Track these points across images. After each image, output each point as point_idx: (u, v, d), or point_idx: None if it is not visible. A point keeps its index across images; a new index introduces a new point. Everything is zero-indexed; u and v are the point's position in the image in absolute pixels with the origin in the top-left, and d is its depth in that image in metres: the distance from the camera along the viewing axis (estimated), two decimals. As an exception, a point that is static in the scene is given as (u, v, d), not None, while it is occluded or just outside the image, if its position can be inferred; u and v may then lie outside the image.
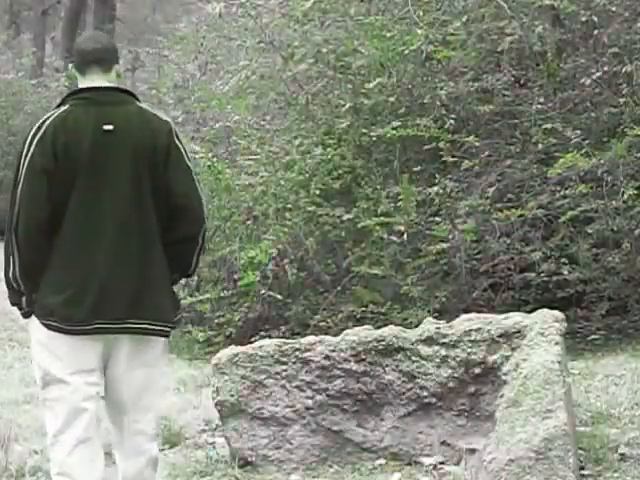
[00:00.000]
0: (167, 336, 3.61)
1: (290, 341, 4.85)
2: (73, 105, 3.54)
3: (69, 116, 3.51)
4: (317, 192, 7.33)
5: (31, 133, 3.50)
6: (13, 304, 3.69)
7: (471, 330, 4.56)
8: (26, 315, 3.66)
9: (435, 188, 6.87)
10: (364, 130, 7.29)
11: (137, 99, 3.65)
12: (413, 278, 6.84)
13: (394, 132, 6.94)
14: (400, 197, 6.88)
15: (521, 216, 6.58)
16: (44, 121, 3.51)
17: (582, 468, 4.19)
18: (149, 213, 3.53)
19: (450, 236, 6.68)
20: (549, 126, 6.71)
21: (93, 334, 3.49)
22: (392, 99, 7.20)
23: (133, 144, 3.52)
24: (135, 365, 3.57)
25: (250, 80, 8.04)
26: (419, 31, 7.01)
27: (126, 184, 3.50)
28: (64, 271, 3.50)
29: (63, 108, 3.54)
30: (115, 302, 3.49)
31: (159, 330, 3.56)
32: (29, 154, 3.47)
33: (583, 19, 6.92)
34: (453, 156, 6.91)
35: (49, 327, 3.54)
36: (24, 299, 3.61)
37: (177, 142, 3.59)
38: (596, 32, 6.88)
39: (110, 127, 3.50)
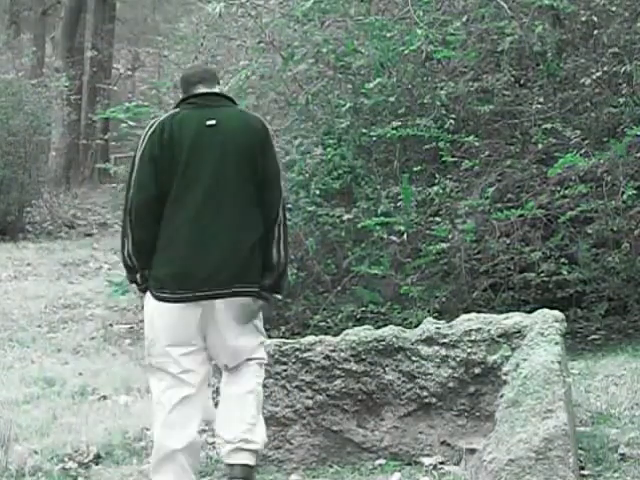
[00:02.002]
0: (254, 295, 4.08)
1: (290, 341, 4.85)
2: (182, 108, 4.13)
3: (176, 116, 4.09)
4: (317, 192, 7.32)
5: (144, 132, 4.07)
6: (130, 281, 4.25)
7: (471, 330, 4.56)
8: (142, 290, 4.19)
9: (435, 188, 6.87)
10: (364, 130, 7.29)
11: (236, 104, 4.26)
12: (413, 278, 6.84)
13: (394, 132, 6.94)
14: (400, 197, 6.88)
15: (521, 216, 6.58)
16: (156, 121, 4.10)
17: (582, 468, 4.18)
18: (244, 193, 4.05)
19: (450, 236, 6.68)
20: (549, 126, 6.72)
21: (196, 300, 3.99)
22: (392, 99, 7.20)
23: (234, 134, 4.06)
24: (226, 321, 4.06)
25: (250, 80, 8.03)
26: (419, 31, 7.01)
27: (225, 168, 4.03)
28: (171, 247, 4.02)
29: (173, 111, 4.15)
30: (215, 272, 4.00)
31: (246, 292, 4.06)
32: (141, 147, 4.05)
33: (583, 19, 6.93)
34: (453, 156, 6.92)
35: (160, 298, 4.05)
36: (138, 276, 4.13)
37: (270, 135, 4.18)
38: (596, 32, 6.88)
39: (213, 122, 4.05)
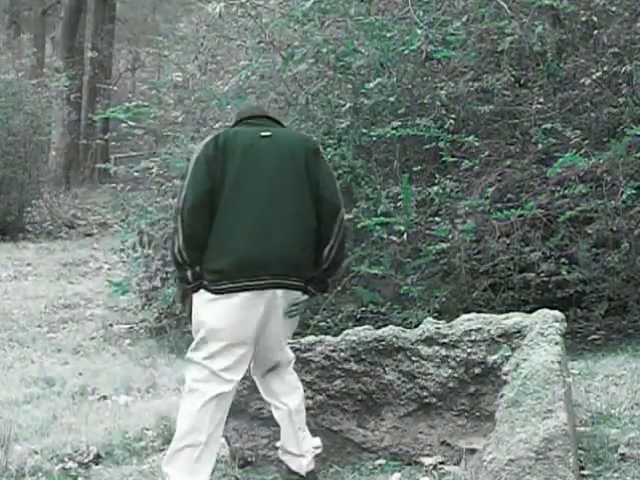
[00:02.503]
0: (303, 290, 4.28)
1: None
2: (237, 126, 4.41)
3: (231, 130, 4.37)
4: (317, 192, 7.31)
5: (199, 146, 4.31)
6: (180, 280, 4.28)
7: (471, 330, 4.56)
8: (192, 290, 4.19)
9: (435, 188, 6.87)
10: (364, 130, 7.29)
11: (284, 127, 4.60)
12: (413, 278, 6.84)
13: (394, 132, 6.94)
14: (400, 197, 6.88)
15: (521, 216, 6.58)
16: (210, 135, 4.33)
17: (582, 468, 4.19)
18: (299, 195, 4.24)
19: (450, 236, 6.68)
20: (549, 126, 6.71)
21: (258, 289, 4.12)
22: (392, 99, 7.20)
23: (288, 143, 4.33)
24: (282, 316, 4.24)
25: (250, 80, 8.03)
26: (419, 31, 7.01)
27: (280, 170, 4.24)
28: (226, 240, 4.13)
29: (228, 129, 4.44)
30: (274, 261, 4.15)
31: (298, 285, 4.24)
32: (196, 154, 4.24)
33: (583, 19, 6.92)
34: (453, 156, 6.91)
35: (219, 291, 4.11)
36: (189, 273, 4.15)
37: (321, 152, 4.41)
38: (596, 32, 6.88)
39: (268, 133, 4.31)
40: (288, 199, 4.22)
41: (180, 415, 4.18)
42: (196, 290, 4.18)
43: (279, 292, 4.16)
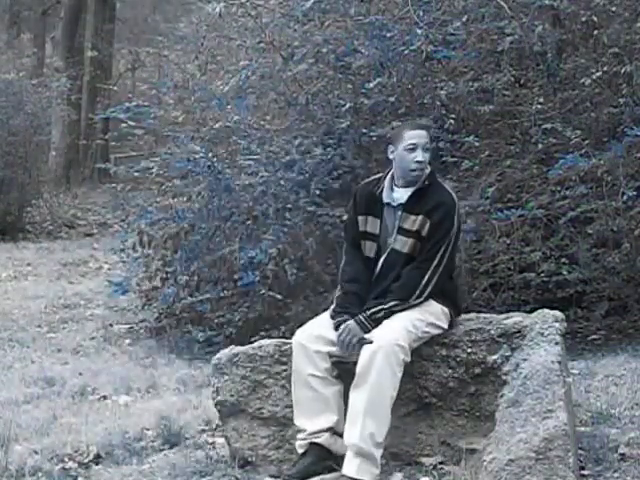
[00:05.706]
0: None
1: (290, 341, 4.84)
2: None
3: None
4: (317, 192, 7.32)
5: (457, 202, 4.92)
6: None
7: (471, 330, 4.56)
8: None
9: (435, 188, 6.86)
10: (364, 130, 7.29)
11: None
12: (413, 278, 6.82)
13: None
14: (400, 197, 6.87)
15: (521, 216, 6.58)
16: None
17: (582, 468, 4.19)
18: None
19: (450, 236, 6.67)
20: (549, 126, 6.71)
21: None
22: (392, 99, 7.20)
23: None
24: None
25: (250, 80, 8.03)
26: (419, 31, 7.00)
27: None
28: None
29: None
30: None
31: None
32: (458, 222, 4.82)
33: (583, 19, 6.92)
34: (453, 156, 6.91)
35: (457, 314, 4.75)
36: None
37: None
38: (596, 32, 6.88)
39: None
40: None
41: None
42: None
43: None
